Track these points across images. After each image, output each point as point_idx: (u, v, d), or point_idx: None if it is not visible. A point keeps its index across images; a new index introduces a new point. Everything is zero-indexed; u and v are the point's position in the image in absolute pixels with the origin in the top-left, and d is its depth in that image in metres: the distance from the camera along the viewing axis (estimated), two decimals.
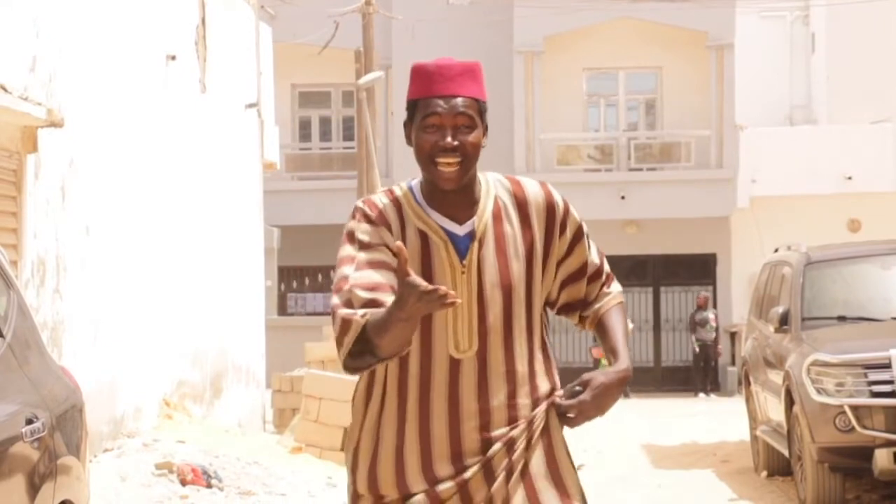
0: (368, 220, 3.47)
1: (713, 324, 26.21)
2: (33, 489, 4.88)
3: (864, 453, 9.89)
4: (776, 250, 13.35)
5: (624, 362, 3.52)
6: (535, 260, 3.53)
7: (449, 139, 3.41)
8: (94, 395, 9.77)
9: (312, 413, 13.29)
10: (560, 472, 3.49)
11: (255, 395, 16.67)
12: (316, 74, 29.23)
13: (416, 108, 3.48)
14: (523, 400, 3.48)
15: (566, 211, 3.61)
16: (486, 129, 3.50)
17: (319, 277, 29.56)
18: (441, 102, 3.44)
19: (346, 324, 3.37)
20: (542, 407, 3.50)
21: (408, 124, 3.51)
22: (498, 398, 3.46)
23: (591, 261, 3.64)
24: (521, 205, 3.55)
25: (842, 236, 24.09)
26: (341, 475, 12.28)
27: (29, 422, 4.96)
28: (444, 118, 3.43)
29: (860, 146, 27.00)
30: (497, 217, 3.51)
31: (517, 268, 3.50)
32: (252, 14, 17.47)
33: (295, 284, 29.64)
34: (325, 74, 29.06)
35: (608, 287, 3.68)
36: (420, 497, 3.43)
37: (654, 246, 27.77)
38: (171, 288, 13.41)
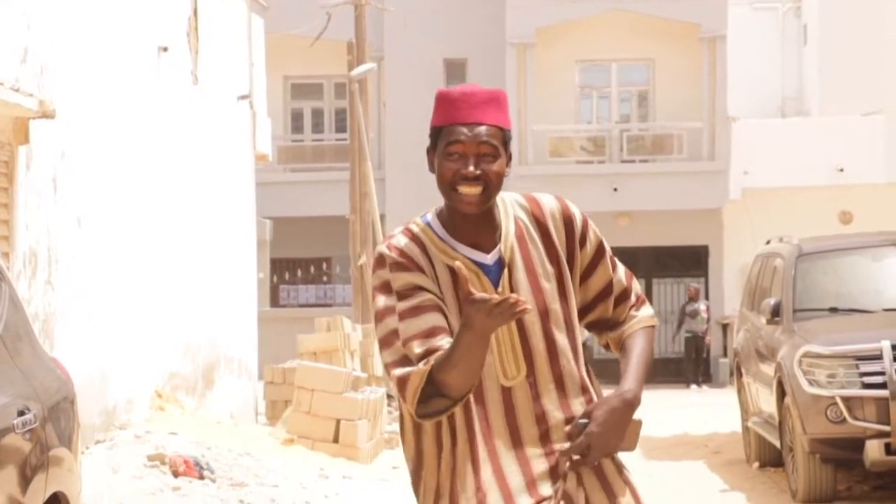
0: (398, 266, 3.43)
1: (704, 315, 26.25)
2: (25, 481, 4.88)
3: (856, 444, 9.92)
4: (768, 242, 13.37)
5: (627, 385, 3.46)
6: (564, 276, 3.52)
7: (471, 168, 3.39)
8: (85, 387, 9.76)
9: (304, 405, 13.29)
10: (613, 491, 3.50)
11: (247, 387, 16.67)
12: (308, 66, 29.21)
13: (440, 135, 3.45)
14: (579, 409, 3.47)
15: (585, 225, 3.58)
16: (510, 157, 3.48)
17: (311, 269, 29.56)
18: (465, 130, 3.41)
19: (403, 382, 3.34)
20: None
21: (430, 151, 3.48)
22: (555, 416, 3.45)
23: (616, 280, 3.62)
24: (541, 223, 3.54)
25: (833, 228, 24.10)
26: (333, 467, 12.28)
27: (21, 413, 4.96)
28: (468, 146, 3.40)
29: (852, 138, 27.03)
30: (521, 239, 3.51)
31: (549, 287, 3.49)
32: (244, 5, 17.45)
33: (287, 276, 29.63)
34: (317, 66, 29.03)
35: (637, 310, 3.64)
36: None
37: (646, 238, 27.78)
38: (163, 280, 13.40)
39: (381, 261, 3.46)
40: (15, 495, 4.79)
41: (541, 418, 3.44)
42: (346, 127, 26.92)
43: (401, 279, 3.42)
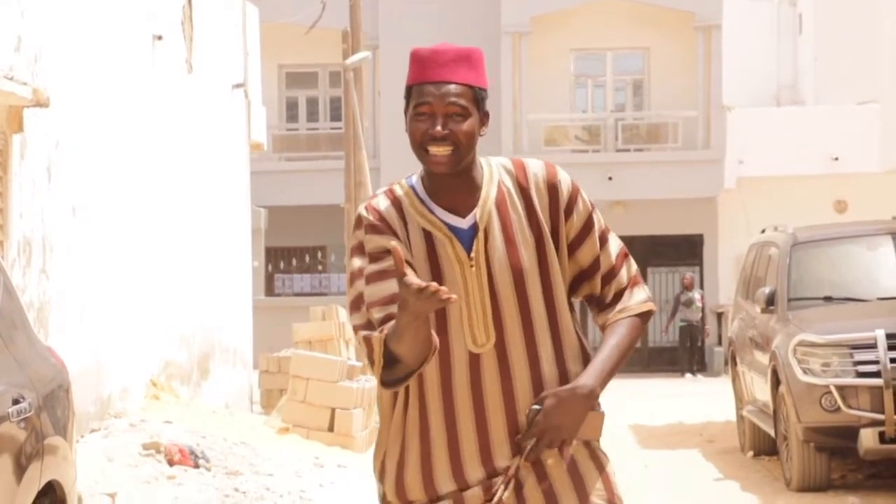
0: (374, 229, 3.40)
1: (699, 304, 26.28)
2: (20, 469, 4.88)
3: (850, 433, 9.94)
4: (763, 231, 13.38)
5: (584, 379, 3.36)
6: (545, 243, 3.42)
7: (439, 128, 3.32)
8: (80, 376, 9.75)
9: (299, 394, 13.29)
10: (580, 471, 3.40)
11: (242, 376, 16.67)
12: (303, 55, 29.16)
13: (411, 94, 3.41)
14: (551, 385, 3.39)
15: (573, 195, 3.46)
16: (486, 116, 3.42)
17: (307, 258, 29.55)
18: (432, 89, 3.35)
19: (368, 343, 3.35)
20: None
21: (406, 111, 3.43)
22: (523, 387, 3.38)
23: (604, 258, 3.48)
24: (524, 188, 3.45)
25: (828, 217, 24.11)
26: (328, 456, 12.29)
27: (15, 402, 4.95)
28: (435, 106, 3.34)
29: (847, 127, 27.03)
30: (502, 204, 3.42)
31: (527, 255, 3.40)
32: None
33: (282, 265, 29.62)
34: (312, 55, 28.99)
35: (629, 293, 3.50)
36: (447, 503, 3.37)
37: (641, 226, 27.78)
38: (158, 269, 13.39)
39: (358, 222, 3.44)
40: (10, 483, 4.79)
41: (507, 387, 3.37)
42: (340, 116, 26.88)
43: (373, 242, 3.39)
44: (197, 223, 14.85)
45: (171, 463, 10.43)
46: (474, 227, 3.39)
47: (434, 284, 3.09)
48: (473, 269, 3.38)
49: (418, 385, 3.38)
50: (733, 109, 27.62)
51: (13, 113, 9.88)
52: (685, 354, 26.37)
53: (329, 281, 29.18)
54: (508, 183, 3.45)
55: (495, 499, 3.34)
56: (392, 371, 3.33)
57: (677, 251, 28.24)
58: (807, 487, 10.30)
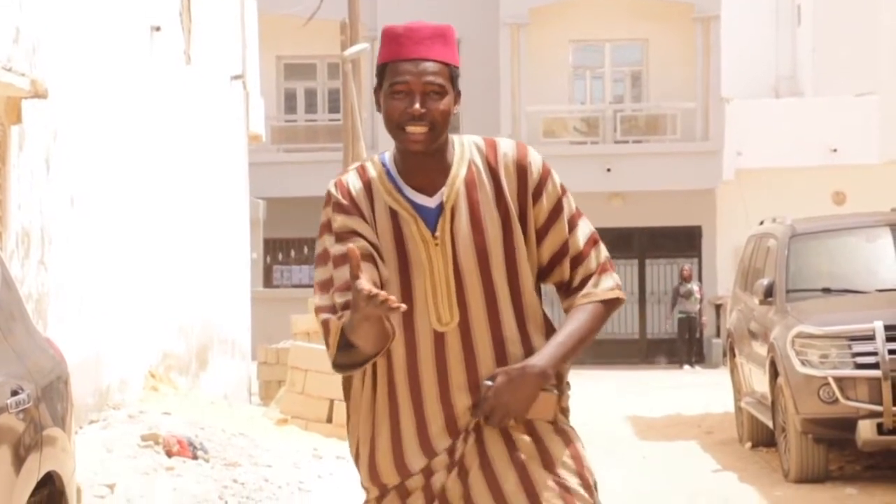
0: (340, 207, 3.39)
1: (697, 296, 26.31)
2: (19, 460, 4.89)
3: (848, 424, 9.95)
4: (761, 223, 13.38)
5: (536, 359, 3.33)
6: (512, 224, 3.39)
7: (417, 105, 3.28)
8: (79, 367, 9.76)
9: (298, 385, 13.30)
10: (545, 443, 3.40)
11: (240, 368, 16.67)
12: (301, 46, 29.15)
13: (385, 72, 3.34)
14: (516, 357, 3.38)
15: (543, 177, 3.43)
16: (458, 95, 3.38)
17: (305, 249, 29.54)
18: (409, 66, 3.29)
19: (325, 327, 3.35)
20: None
21: (377, 90, 3.38)
22: (486, 366, 3.37)
23: (572, 243, 3.44)
24: (493, 168, 3.41)
25: (827, 209, 24.11)
26: (327, 447, 12.30)
27: (14, 393, 4.95)
28: (413, 84, 3.29)
29: (845, 118, 27.02)
30: (470, 184, 3.39)
31: (493, 235, 3.37)
32: None
33: (281, 256, 29.62)
34: (310, 46, 28.97)
35: (597, 279, 3.45)
36: (417, 477, 3.38)
37: (639, 218, 27.79)
38: (157, 260, 13.39)
39: (327, 198, 3.43)
40: (9, 474, 4.79)
41: (471, 366, 3.37)
42: (339, 107, 26.90)
43: (339, 221, 3.39)
44: (195, 215, 14.85)
45: (169, 454, 10.44)
46: (441, 207, 3.37)
47: (383, 294, 3.07)
48: (438, 247, 3.36)
49: (386, 365, 3.39)
50: (732, 101, 27.61)
51: (11, 104, 9.87)
52: (684, 346, 26.39)
53: None
54: (479, 162, 3.42)
55: (457, 456, 3.35)
56: (349, 355, 3.33)
57: (676, 243, 28.25)
58: (805, 479, 10.31)
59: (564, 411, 3.51)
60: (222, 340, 15.85)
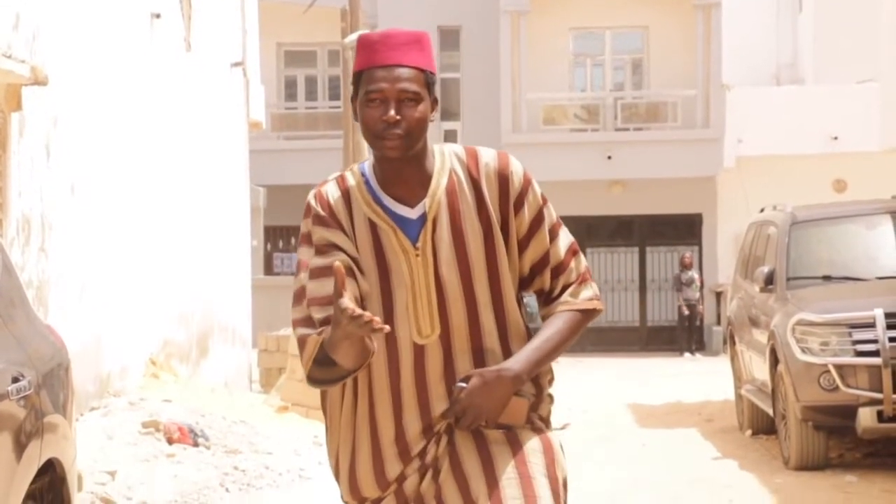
0: (320, 220, 3.35)
1: (698, 283, 26.35)
2: (19, 447, 4.89)
3: (848, 412, 9.95)
4: (762, 210, 13.37)
5: (510, 363, 3.31)
6: (494, 235, 3.35)
7: (392, 112, 3.23)
8: (80, 354, 9.77)
9: (298, 372, 13.30)
10: (517, 437, 3.36)
11: (241, 355, 16.68)
12: (301, 33, 29.10)
13: (360, 81, 3.30)
14: (491, 367, 3.34)
15: (524, 187, 3.38)
16: (435, 101, 3.33)
17: None
18: (384, 73, 3.26)
19: (302, 343, 3.31)
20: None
21: (354, 98, 3.33)
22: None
23: (553, 253, 3.42)
24: (474, 178, 3.36)
25: (827, 196, 24.07)
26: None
27: (15, 380, 4.96)
28: (388, 91, 3.25)
29: (846, 106, 26.99)
30: (451, 194, 3.34)
31: (475, 245, 3.34)
32: None
33: (281, 244, 29.62)
34: (310, 33, 28.93)
35: (576, 288, 3.43)
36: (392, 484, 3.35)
37: (639, 206, 27.77)
38: (157, 247, 13.39)
39: (307, 210, 3.39)
40: (10, 461, 4.79)
41: (450, 377, 3.34)
42: (339, 94, 26.87)
43: (318, 233, 3.35)
44: (196, 202, 14.85)
45: (170, 441, 10.45)
46: (423, 217, 3.33)
47: (367, 315, 3.04)
48: (420, 258, 3.32)
49: (367, 378, 3.36)
50: (733, 88, 27.57)
51: (11, 91, 9.86)
52: (684, 334, 26.40)
53: None
54: (460, 172, 3.37)
55: (428, 458, 3.33)
56: (328, 370, 3.29)
57: (676, 230, 28.24)
58: (805, 466, 10.32)
59: (545, 420, 3.46)
60: (223, 328, 15.86)
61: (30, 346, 5.38)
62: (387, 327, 3.08)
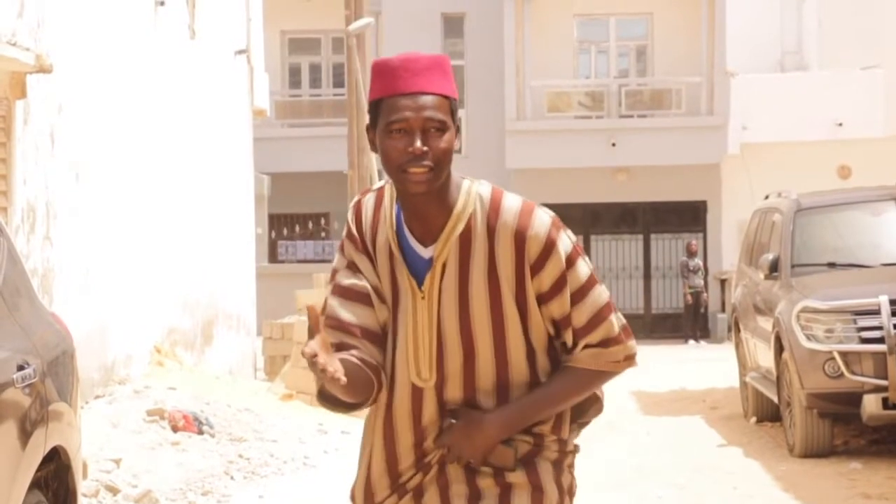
0: (351, 238, 3.24)
1: (703, 270, 26.39)
2: (25, 435, 4.89)
3: (853, 399, 9.95)
4: (766, 197, 13.36)
5: (497, 412, 3.16)
6: (502, 295, 3.15)
7: (418, 143, 3.03)
8: (84, 342, 9.77)
9: (303, 360, 13.27)
10: (510, 488, 3.21)
11: (245, 343, 16.69)
12: (305, 21, 29.09)
13: (380, 109, 3.09)
14: (477, 411, 3.20)
15: (545, 251, 3.13)
16: (458, 129, 3.13)
17: (310, 225, 29.55)
18: (408, 102, 3.04)
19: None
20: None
21: (370, 129, 3.13)
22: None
23: (575, 317, 3.18)
24: (492, 230, 3.14)
25: (832, 183, 24.04)
26: (332, 422, 12.32)
27: (20, 368, 4.96)
28: (413, 121, 3.04)
29: (851, 92, 26.95)
30: (465, 240, 3.14)
31: (479, 300, 3.15)
32: None
33: (285, 232, 29.62)
34: (314, 21, 28.92)
35: (601, 351, 3.21)
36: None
37: (644, 193, 27.76)
38: (162, 235, 13.39)
39: (349, 220, 3.27)
40: (15, 449, 4.80)
41: (442, 427, 3.21)
42: (343, 82, 26.82)
43: (348, 249, 3.25)
44: (200, 190, 14.85)
45: (175, 429, 10.46)
46: (432, 259, 3.17)
47: (322, 362, 2.88)
48: (424, 301, 3.17)
49: (386, 403, 3.27)
50: (737, 75, 27.53)
51: (16, 79, 9.86)
52: (689, 321, 26.40)
53: (332, 247, 29.18)
54: (479, 219, 3.16)
55: (411, 484, 3.25)
56: (332, 399, 3.22)
57: (681, 218, 28.22)
58: (810, 453, 10.32)
59: (558, 461, 3.28)
60: (227, 315, 15.86)
61: (35, 334, 5.38)
62: (343, 379, 2.92)
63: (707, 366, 18.77)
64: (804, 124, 26.92)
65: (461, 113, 28.64)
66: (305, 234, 29.61)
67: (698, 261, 26.33)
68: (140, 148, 12.87)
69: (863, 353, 9.95)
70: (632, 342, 3.27)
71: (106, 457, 9.20)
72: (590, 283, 3.17)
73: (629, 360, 3.25)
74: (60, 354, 5.57)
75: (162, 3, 13.61)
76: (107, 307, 11.75)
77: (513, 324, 3.17)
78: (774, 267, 11.33)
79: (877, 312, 9.92)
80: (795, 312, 10.32)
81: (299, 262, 28.49)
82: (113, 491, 8.64)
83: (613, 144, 27.08)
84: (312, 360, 2.89)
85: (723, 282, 26.85)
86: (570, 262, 3.15)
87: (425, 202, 3.12)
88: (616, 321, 3.22)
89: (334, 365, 2.92)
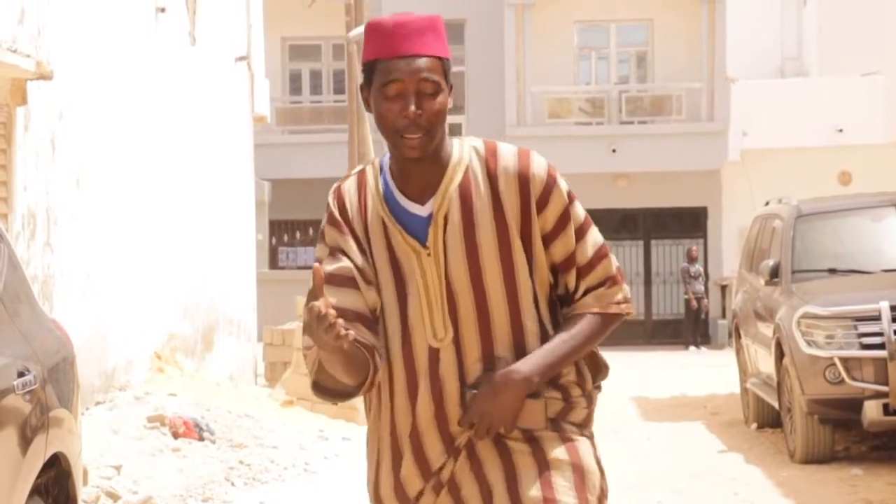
0: (334, 222, 3.23)
1: (703, 276, 26.39)
2: (25, 441, 4.89)
3: (854, 405, 9.95)
4: (767, 203, 13.36)
5: (521, 364, 3.13)
6: (510, 238, 3.16)
7: (412, 107, 3.06)
8: (85, 348, 9.77)
9: (303, 366, 13.26)
10: (543, 450, 3.19)
11: (246, 349, 16.69)
12: (306, 27, 29.11)
13: (374, 70, 3.11)
14: (500, 371, 3.16)
15: (548, 187, 3.17)
16: (451, 88, 3.15)
17: (310, 231, 29.54)
18: (402, 64, 3.07)
19: (305, 357, 3.22)
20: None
21: (364, 88, 3.14)
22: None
23: (580, 252, 3.22)
24: (492, 175, 3.17)
25: (832, 189, 24.07)
26: (333, 428, 12.32)
27: (20, 374, 4.96)
28: (407, 83, 3.07)
29: (851, 98, 26.96)
30: (465, 192, 3.16)
31: (488, 247, 3.15)
32: None
33: (286, 238, 29.63)
34: (315, 27, 28.93)
35: (604, 291, 3.23)
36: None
37: (644, 199, 27.77)
38: (162, 241, 13.39)
39: (327, 206, 3.28)
40: (15, 455, 4.80)
41: (463, 383, 3.17)
42: (344, 88, 26.83)
43: (330, 235, 3.24)
44: (201, 196, 14.85)
45: (175, 435, 10.45)
46: (432, 215, 3.17)
47: (331, 316, 2.88)
48: (431, 258, 3.16)
49: (388, 389, 3.24)
50: (737, 81, 27.55)
51: (17, 85, 9.87)
52: (689, 327, 26.40)
53: None
54: (477, 168, 3.18)
55: (444, 475, 3.19)
56: (332, 384, 3.21)
57: (681, 224, 28.23)
58: (810, 459, 10.31)
59: (580, 425, 3.28)
60: (228, 322, 15.86)
61: (35, 340, 5.38)
62: (352, 334, 2.93)
63: (708, 372, 18.76)
64: (804, 130, 26.92)
65: (461, 119, 28.70)
66: (306, 241, 29.61)
67: (699, 267, 26.33)
68: (140, 154, 12.87)
69: (863, 359, 9.95)
70: (626, 286, 3.32)
71: (106, 463, 9.19)
72: (588, 222, 3.25)
73: (627, 302, 3.28)
74: (61, 361, 5.57)
75: (163, 10, 13.63)
76: (107, 313, 11.75)
77: (522, 268, 3.18)
78: (775, 273, 11.33)
79: (877, 318, 9.92)
80: (796, 318, 10.31)
81: (300, 268, 28.47)
82: (113, 497, 8.64)
83: (614, 150, 27.10)
84: (322, 316, 2.89)
85: (723, 288, 26.85)
86: (570, 198, 3.23)
87: (420, 161, 3.15)
88: (613, 259, 3.29)
89: (341, 321, 2.93)
